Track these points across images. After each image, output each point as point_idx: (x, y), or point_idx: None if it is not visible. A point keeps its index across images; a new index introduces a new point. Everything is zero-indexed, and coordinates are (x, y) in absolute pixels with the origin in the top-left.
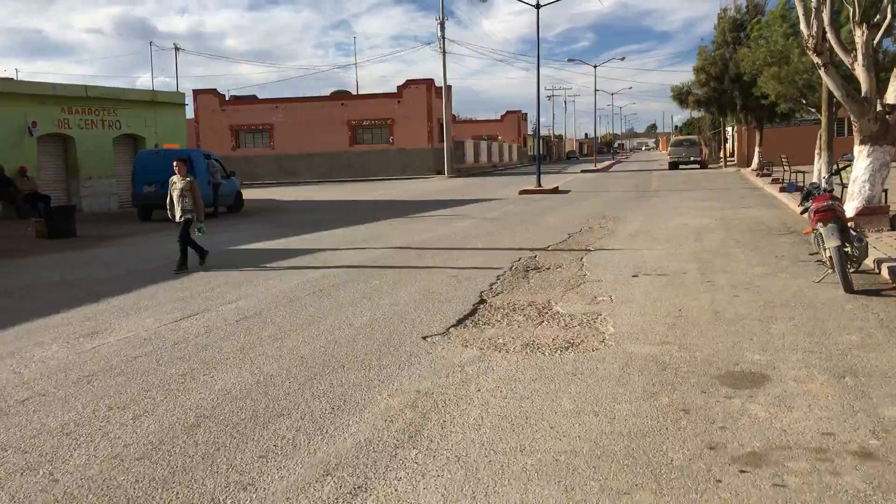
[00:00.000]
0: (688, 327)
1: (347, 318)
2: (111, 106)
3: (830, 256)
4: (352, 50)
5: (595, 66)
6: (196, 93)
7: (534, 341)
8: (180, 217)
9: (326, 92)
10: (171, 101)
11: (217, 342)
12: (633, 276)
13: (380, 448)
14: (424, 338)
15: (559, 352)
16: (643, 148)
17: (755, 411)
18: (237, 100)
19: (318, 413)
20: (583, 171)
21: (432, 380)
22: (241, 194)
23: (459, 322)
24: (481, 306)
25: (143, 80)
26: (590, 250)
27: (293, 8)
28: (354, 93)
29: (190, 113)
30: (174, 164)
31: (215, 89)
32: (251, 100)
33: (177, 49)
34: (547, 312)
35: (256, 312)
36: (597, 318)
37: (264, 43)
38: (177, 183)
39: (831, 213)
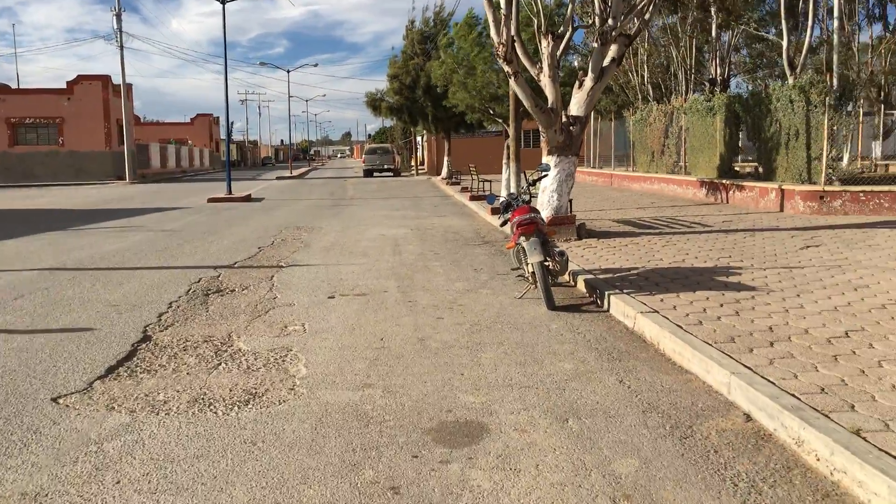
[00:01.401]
0: (392, 362)
1: None
2: None
3: (533, 272)
4: (14, 40)
5: (288, 71)
6: None
7: (205, 394)
8: None
9: None
10: None
11: None
12: (330, 297)
13: None
14: (56, 399)
15: (237, 408)
16: (339, 155)
17: (477, 480)
18: None
19: None
20: (278, 178)
21: (52, 470)
22: None
23: (110, 371)
24: (143, 346)
25: None
26: (282, 266)
27: None
28: (16, 87)
29: None
30: None
31: None
32: None
33: None
34: (226, 351)
35: None
36: (286, 356)
37: None
38: None
39: (534, 227)
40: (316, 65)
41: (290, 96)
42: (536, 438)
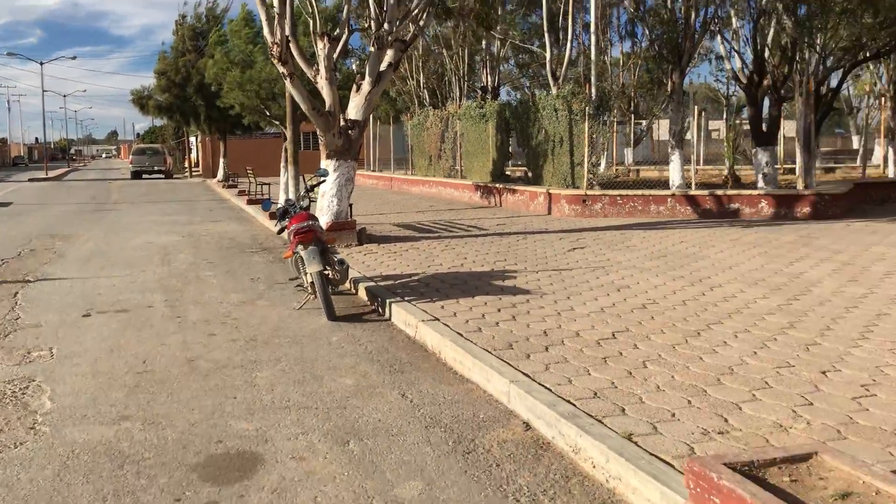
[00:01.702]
0: (155, 388)
1: None
2: None
3: (312, 282)
4: None
5: (41, 63)
6: None
7: None
8: None
9: None
10: None
11: None
12: (85, 315)
13: None
14: None
15: None
16: (104, 155)
17: None
18: None
19: None
20: (31, 180)
21: None
22: None
23: None
24: None
25: None
26: (29, 281)
27: None
28: None
29: None
30: None
31: None
32: None
33: None
34: None
35: None
36: (28, 388)
37: None
38: None
39: (312, 235)
40: (74, 58)
41: (44, 90)
42: (315, 466)
